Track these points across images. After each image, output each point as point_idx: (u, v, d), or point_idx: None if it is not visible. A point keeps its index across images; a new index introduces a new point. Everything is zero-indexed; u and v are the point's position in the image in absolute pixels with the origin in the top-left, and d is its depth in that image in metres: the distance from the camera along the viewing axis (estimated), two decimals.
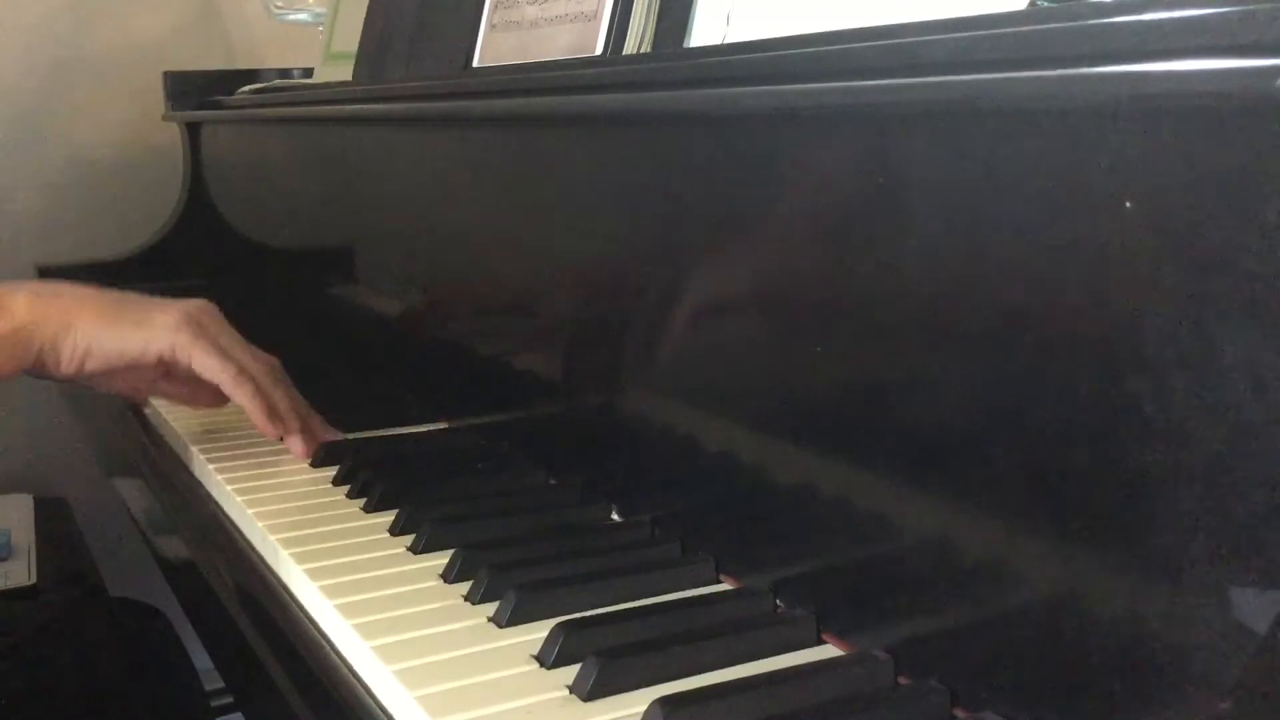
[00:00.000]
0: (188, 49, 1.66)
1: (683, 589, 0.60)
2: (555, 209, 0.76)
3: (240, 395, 0.78)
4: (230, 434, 0.86)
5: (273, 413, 0.80)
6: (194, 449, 0.84)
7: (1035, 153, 0.43)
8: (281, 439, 0.81)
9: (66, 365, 0.76)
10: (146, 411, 0.96)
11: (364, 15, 1.09)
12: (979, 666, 0.47)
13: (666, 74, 0.62)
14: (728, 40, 0.65)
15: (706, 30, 0.67)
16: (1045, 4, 0.47)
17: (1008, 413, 0.45)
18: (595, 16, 0.73)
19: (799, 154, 0.55)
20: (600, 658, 0.50)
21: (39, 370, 0.77)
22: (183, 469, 0.85)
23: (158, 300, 0.81)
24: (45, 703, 0.94)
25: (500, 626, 0.55)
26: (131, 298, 0.81)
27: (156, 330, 0.77)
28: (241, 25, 1.71)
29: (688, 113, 0.61)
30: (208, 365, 0.78)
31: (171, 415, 0.92)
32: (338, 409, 0.93)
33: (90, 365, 0.76)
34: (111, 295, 0.80)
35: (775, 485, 0.57)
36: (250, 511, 0.72)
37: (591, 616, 0.55)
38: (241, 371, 0.78)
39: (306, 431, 0.81)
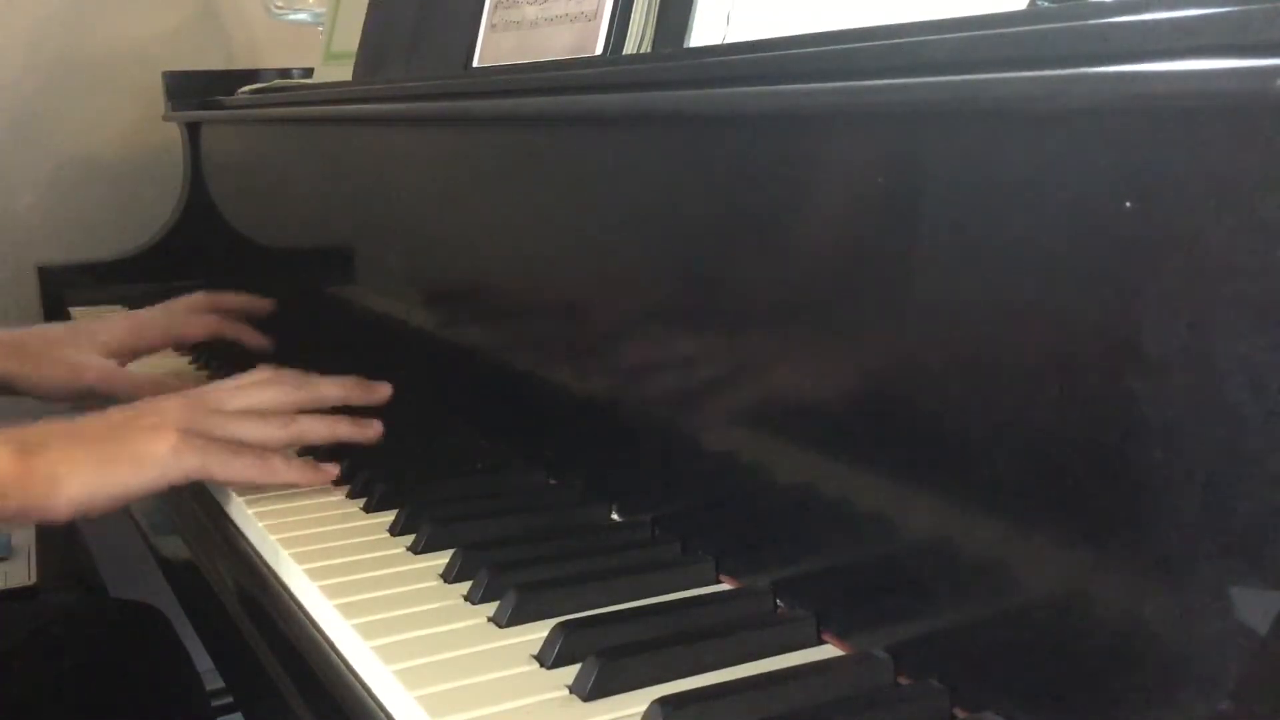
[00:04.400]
0: (188, 49, 1.66)
1: (683, 589, 0.60)
2: (555, 209, 0.76)
3: (276, 479, 0.74)
4: None
5: (313, 467, 0.75)
6: None
7: (1035, 153, 0.43)
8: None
9: (65, 514, 0.70)
10: None
11: (364, 15, 1.09)
12: (979, 666, 0.47)
13: (666, 74, 0.62)
14: (728, 40, 0.65)
15: (706, 30, 0.67)
16: (1045, 4, 0.47)
17: (1007, 412, 0.45)
18: (595, 16, 0.74)
19: (799, 154, 0.55)
20: (600, 658, 0.50)
21: (25, 521, 0.71)
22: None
23: (145, 413, 0.73)
24: (46, 703, 0.94)
25: (500, 626, 0.55)
26: (119, 421, 0.73)
27: (159, 466, 0.70)
28: (241, 25, 1.71)
29: (688, 113, 0.61)
30: (230, 476, 0.72)
31: None
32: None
33: (96, 509, 0.70)
34: (99, 429, 0.72)
35: (775, 485, 0.57)
36: (250, 511, 0.72)
37: (591, 616, 0.55)
38: (262, 459, 0.73)
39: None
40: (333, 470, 0.76)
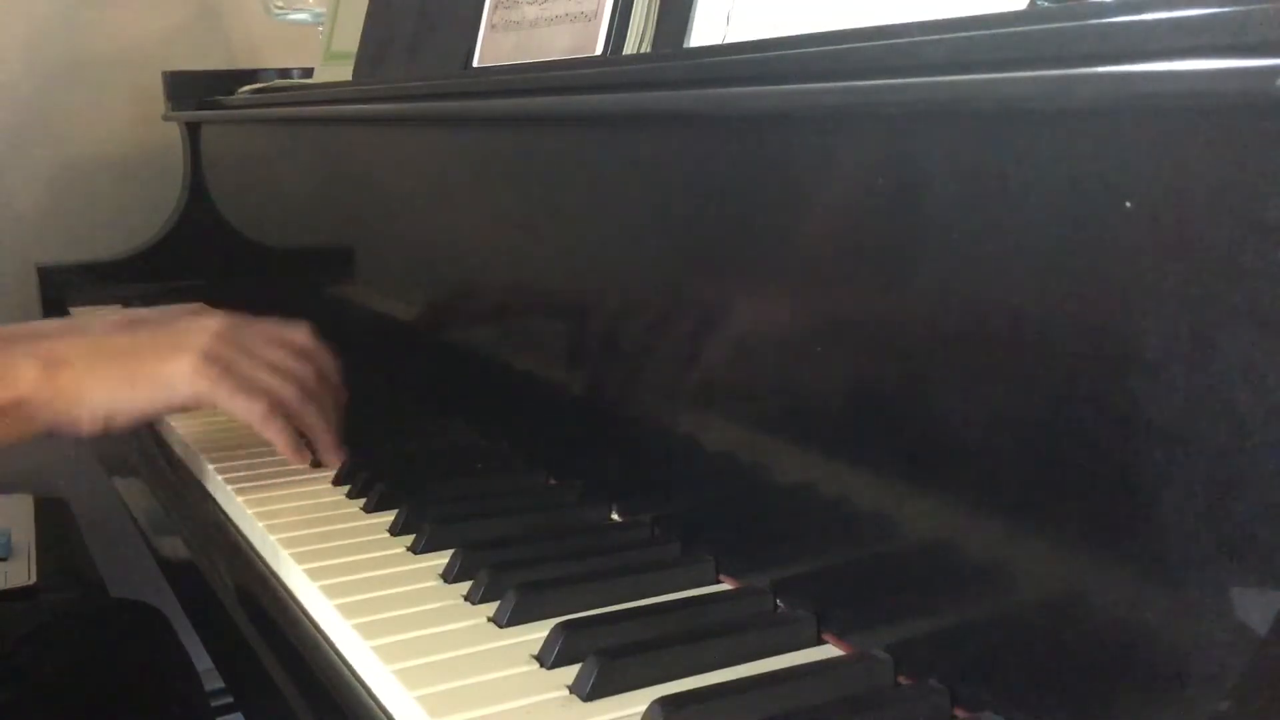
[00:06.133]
0: (188, 49, 1.66)
1: (683, 589, 0.60)
2: (555, 209, 0.76)
3: (269, 433, 0.76)
4: (231, 434, 0.86)
5: (300, 447, 0.77)
6: (195, 449, 0.84)
7: (1035, 153, 0.43)
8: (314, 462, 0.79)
9: (89, 429, 0.73)
10: None
11: (364, 15, 1.09)
12: (979, 666, 0.47)
13: (666, 74, 0.62)
14: (728, 40, 0.65)
15: (706, 30, 0.67)
16: (1045, 4, 0.47)
17: (1008, 412, 0.45)
18: (595, 16, 0.74)
19: (799, 154, 0.55)
20: (600, 658, 0.50)
21: (54, 434, 0.74)
22: (183, 469, 0.85)
23: (173, 332, 0.76)
24: (45, 703, 0.94)
25: (500, 626, 0.55)
26: (143, 340, 0.75)
27: (176, 384, 0.73)
28: (241, 25, 1.71)
29: (688, 113, 0.61)
30: (233, 409, 0.74)
31: (173, 416, 0.92)
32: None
33: (116, 425, 0.73)
34: (122, 345, 0.75)
35: (775, 485, 0.57)
36: (250, 512, 0.72)
37: (591, 616, 0.55)
38: (270, 408, 0.75)
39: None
40: (307, 456, 0.78)
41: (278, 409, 0.75)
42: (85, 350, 0.74)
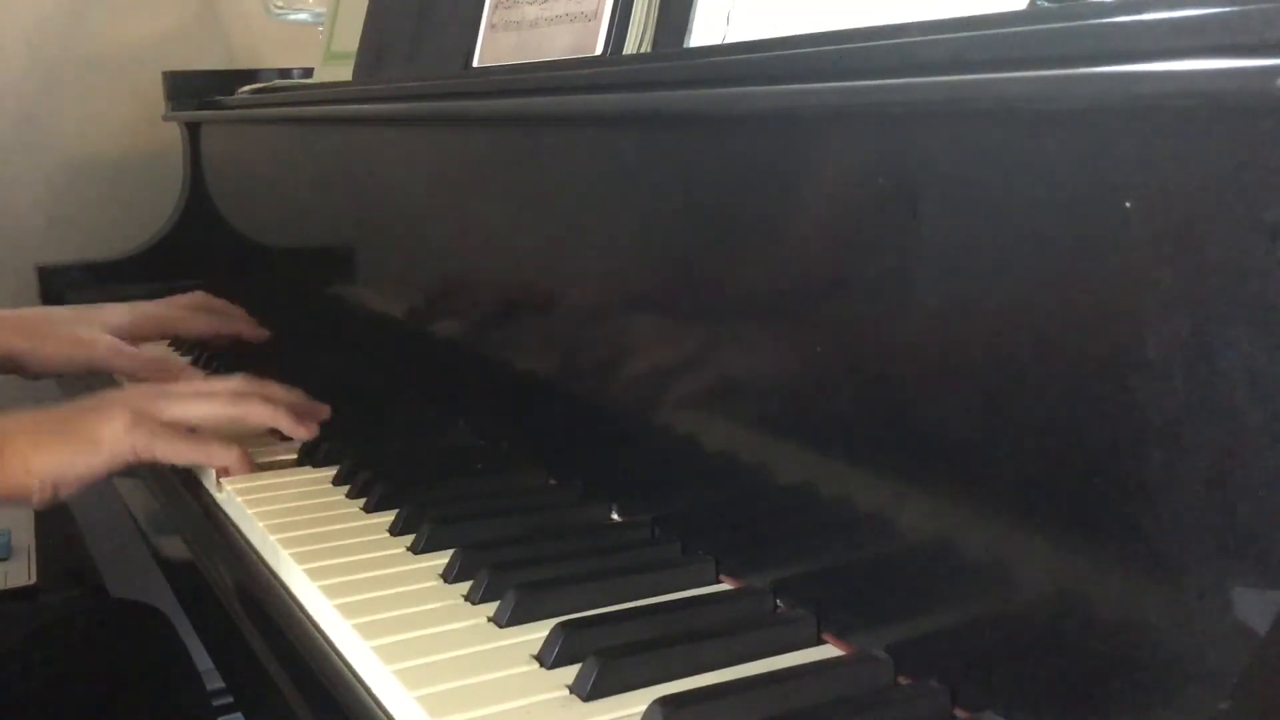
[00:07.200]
0: (188, 49, 1.66)
1: (683, 589, 0.60)
2: (555, 209, 0.76)
3: (216, 464, 0.78)
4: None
5: (246, 458, 0.79)
6: None
7: (1035, 153, 0.43)
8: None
9: (39, 499, 0.76)
10: None
11: (364, 15, 1.09)
12: (979, 666, 0.47)
13: (666, 74, 0.62)
14: (728, 40, 0.65)
15: (706, 30, 0.67)
16: (1045, 4, 0.47)
17: (1008, 412, 0.45)
18: (595, 16, 0.74)
19: (799, 154, 0.55)
20: (600, 658, 0.50)
21: (4, 505, 0.77)
22: (183, 469, 0.84)
23: (101, 400, 0.79)
24: (46, 703, 0.94)
25: (500, 626, 0.55)
26: (74, 410, 0.79)
27: (112, 444, 0.76)
28: (241, 25, 1.71)
29: (688, 113, 0.61)
30: (173, 456, 0.77)
31: None
32: (335, 410, 0.93)
33: (64, 493, 0.76)
34: (58, 417, 0.78)
35: (775, 485, 0.57)
36: (250, 512, 0.72)
37: (591, 616, 0.55)
38: (205, 444, 0.78)
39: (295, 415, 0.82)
40: (249, 463, 0.79)
41: (211, 440, 0.78)
42: (25, 426, 0.77)
